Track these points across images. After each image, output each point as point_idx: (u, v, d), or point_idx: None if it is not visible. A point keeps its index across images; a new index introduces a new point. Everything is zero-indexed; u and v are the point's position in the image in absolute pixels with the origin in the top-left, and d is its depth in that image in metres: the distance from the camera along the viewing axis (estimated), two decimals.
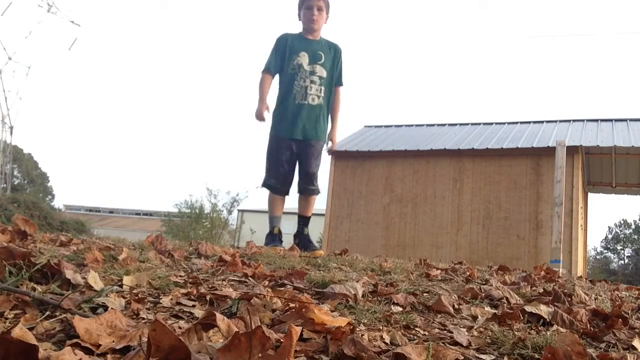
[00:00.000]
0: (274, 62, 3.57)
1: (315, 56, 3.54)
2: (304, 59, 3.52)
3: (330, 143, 3.73)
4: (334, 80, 3.63)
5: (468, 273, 2.38)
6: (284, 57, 3.54)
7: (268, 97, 3.57)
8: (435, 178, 8.41)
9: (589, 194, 10.56)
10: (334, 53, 3.62)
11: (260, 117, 3.52)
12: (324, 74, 3.55)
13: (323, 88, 3.54)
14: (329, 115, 3.66)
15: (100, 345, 0.81)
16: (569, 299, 1.74)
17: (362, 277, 1.87)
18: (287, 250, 2.88)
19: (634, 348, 1.18)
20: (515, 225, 7.84)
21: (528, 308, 1.42)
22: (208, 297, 1.25)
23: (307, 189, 3.58)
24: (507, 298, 1.68)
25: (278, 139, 3.55)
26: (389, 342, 1.03)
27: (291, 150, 3.54)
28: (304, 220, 3.63)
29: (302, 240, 3.50)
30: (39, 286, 1.16)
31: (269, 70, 3.57)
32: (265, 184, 3.57)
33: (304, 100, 3.49)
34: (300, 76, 3.50)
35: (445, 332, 1.21)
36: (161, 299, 1.20)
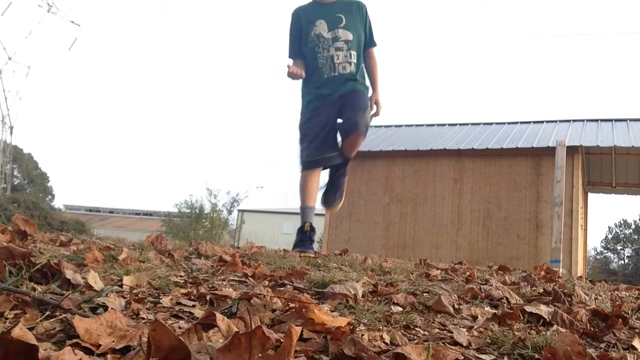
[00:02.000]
0: (292, 45, 3.15)
1: (334, 20, 3.08)
2: (321, 27, 3.07)
3: (375, 108, 3.20)
4: (363, 41, 3.16)
5: (468, 273, 2.38)
6: (302, 34, 3.12)
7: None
8: (435, 178, 8.41)
9: (589, 194, 10.57)
10: (356, 11, 3.14)
11: (293, 73, 2.95)
12: (350, 36, 3.07)
13: (353, 52, 3.07)
14: (366, 79, 3.21)
15: (100, 345, 0.81)
16: (569, 299, 1.74)
17: (362, 277, 1.87)
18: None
19: (634, 348, 1.18)
20: (515, 225, 7.85)
21: (528, 308, 1.42)
22: (208, 297, 1.25)
23: (355, 124, 2.95)
24: (507, 298, 1.68)
25: (311, 112, 3.10)
26: (389, 342, 1.03)
27: (324, 114, 3.06)
28: (342, 165, 3.13)
29: (330, 189, 3.14)
30: (39, 286, 1.16)
31: (294, 56, 3.15)
32: (302, 163, 3.08)
33: (333, 72, 3.06)
34: (322, 46, 3.06)
35: (445, 332, 1.21)
36: (161, 299, 1.20)
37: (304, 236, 2.95)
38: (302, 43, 3.12)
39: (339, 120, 3.09)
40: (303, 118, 3.13)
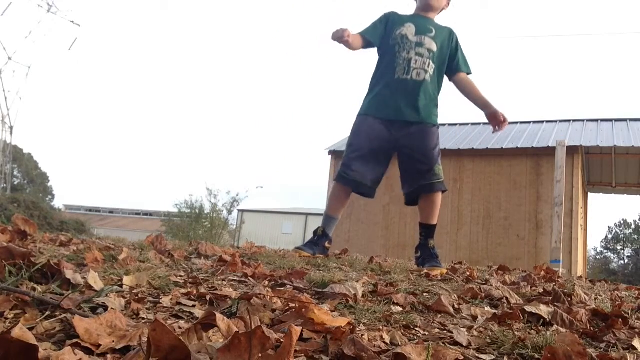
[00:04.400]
0: (370, 28, 2.92)
1: (424, 28, 2.90)
2: (409, 29, 2.88)
3: (498, 123, 2.89)
4: (445, 63, 2.94)
5: (468, 273, 2.38)
6: (385, 30, 2.93)
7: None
8: None
9: (589, 194, 10.57)
10: (447, 34, 2.96)
11: (338, 33, 2.65)
12: (434, 47, 2.86)
13: (431, 63, 2.84)
14: (437, 98, 2.94)
15: (100, 345, 0.81)
16: (569, 299, 1.74)
17: (362, 277, 1.87)
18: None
19: (634, 348, 1.18)
20: (515, 225, 7.85)
21: (528, 308, 1.42)
22: (208, 297, 1.25)
23: (425, 184, 2.81)
24: (507, 298, 1.68)
25: (365, 118, 2.88)
26: (389, 342, 1.03)
27: (383, 134, 2.82)
28: (425, 229, 2.89)
29: (424, 253, 2.84)
30: (39, 286, 1.16)
31: (362, 33, 2.90)
32: (337, 172, 2.90)
33: (406, 74, 2.81)
34: (404, 47, 2.85)
35: (445, 332, 1.21)
36: (161, 299, 1.20)
37: (313, 238, 2.93)
38: (384, 41, 2.94)
39: (403, 171, 2.92)
40: (357, 123, 2.92)
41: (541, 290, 1.95)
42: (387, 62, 2.91)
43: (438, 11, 3.03)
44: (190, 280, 1.48)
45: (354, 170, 2.82)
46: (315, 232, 2.95)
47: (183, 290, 1.31)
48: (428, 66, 2.85)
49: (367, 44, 2.92)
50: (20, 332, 0.71)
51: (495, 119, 2.90)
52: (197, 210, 23.88)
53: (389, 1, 3.20)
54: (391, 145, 2.85)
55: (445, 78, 3.02)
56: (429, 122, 2.86)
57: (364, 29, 2.94)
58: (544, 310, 1.41)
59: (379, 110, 2.85)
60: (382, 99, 2.86)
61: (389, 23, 2.95)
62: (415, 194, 2.88)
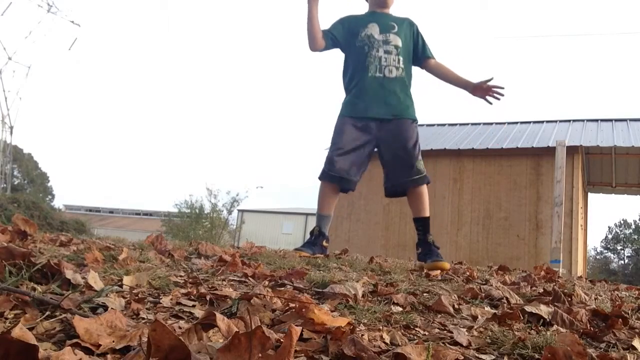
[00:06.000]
0: (333, 26, 2.99)
1: (386, 26, 2.97)
2: (373, 29, 2.95)
3: (486, 94, 2.97)
4: (411, 54, 3.01)
5: (468, 273, 2.38)
6: (346, 30, 2.99)
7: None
8: (435, 178, 8.41)
9: (589, 194, 10.57)
10: (408, 26, 3.03)
11: None
12: (399, 43, 2.94)
13: (401, 58, 2.92)
14: (410, 92, 2.99)
15: (100, 345, 0.81)
16: (569, 299, 1.74)
17: (362, 277, 1.87)
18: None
19: (634, 348, 1.18)
20: (515, 225, 7.85)
21: (528, 308, 1.42)
22: (208, 297, 1.25)
23: (408, 181, 2.86)
24: (507, 298, 1.68)
25: (345, 119, 2.93)
26: (389, 342, 1.03)
27: (363, 132, 2.88)
28: (421, 224, 2.94)
29: (424, 248, 2.85)
30: (39, 286, 1.16)
31: (327, 30, 2.97)
32: (322, 171, 2.94)
33: (379, 72, 2.88)
34: (372, 46, 2.91)
35: (445, 332, 1.21)
36: (161, 299, 1.20)
37: (310, 238, 2.97)
38: (350, 45, 2.99)
39: (386, 166, 2.95)
40: (338, 123, 2.97)
41: (541, 290, 1.95)
42: (358, 62, 2.96)
43: (391, 5, 3.08)
44: (190, 280, 1.48)
45: (337, 166, 2.87)
46: (311, 232, 2.99)
47: (183, 290, 1.31)
48: (398, 62, 2.92)
49: (329, 42, 2.96)
50: (20, 332, 0.71)
51: (482, 89, 2.97)
52: (197, 210, 23.88)
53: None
54: (371, 142, 2.91)
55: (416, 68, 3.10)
56: (407, 117, 2.92)
57: (328, 27, 2.98)
58: (544, 310, 1.41)
59: (357, 110, 2.91)
60: (358, 99, 2.92)
61: (350, 26, 2.99)
62: (398, 189, 2.95)
